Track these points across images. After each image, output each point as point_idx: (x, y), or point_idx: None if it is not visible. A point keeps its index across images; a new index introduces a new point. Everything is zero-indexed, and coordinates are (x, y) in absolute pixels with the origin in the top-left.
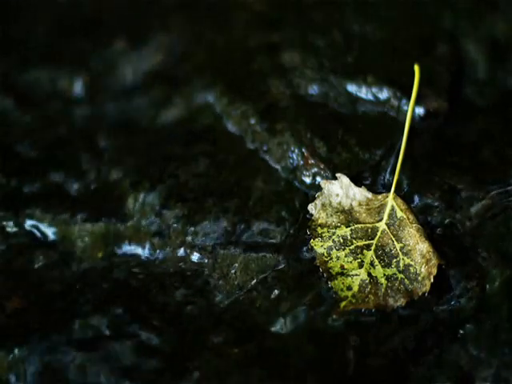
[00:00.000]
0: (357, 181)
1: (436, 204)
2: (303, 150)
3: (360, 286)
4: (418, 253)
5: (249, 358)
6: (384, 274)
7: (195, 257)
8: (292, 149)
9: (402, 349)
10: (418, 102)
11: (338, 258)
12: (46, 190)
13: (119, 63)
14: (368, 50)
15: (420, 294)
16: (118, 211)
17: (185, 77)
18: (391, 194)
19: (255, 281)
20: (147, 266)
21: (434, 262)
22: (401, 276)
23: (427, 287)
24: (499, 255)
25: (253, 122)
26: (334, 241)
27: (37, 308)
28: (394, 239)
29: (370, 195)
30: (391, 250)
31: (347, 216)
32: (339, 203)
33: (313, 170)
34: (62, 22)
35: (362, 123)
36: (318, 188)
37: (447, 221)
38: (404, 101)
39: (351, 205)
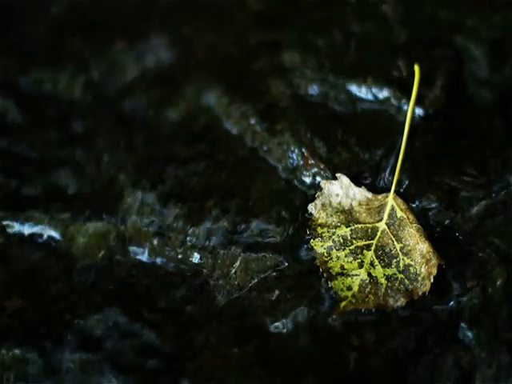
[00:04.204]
0: (357, 181)
1: (436, 204)
2: (303, 150)
3: (360, 285)
4: (418, 253)
5: (249, 358)
6: (384, 274)
7: (195, 257)
8: (292, 149)
9: (402, 349)
10: (417, 102)
11: (338, 257)
12: (46, 190)
13: (119, 63)
14: (368, 50)
15: (420, 293)
16: (118, 211)
17: (185, 77)
18: (391, 194)
19: (255, 281)
20: (147, 265)
21: (434, 262)
22: (401, 276)
23: (427, 287)
24: (499, 255)
25: (253, 121)
26: (334, 241)
27: (37, 308)
28: (393, 239)
29: (370, 195)
30: (391, 250)
31: (347, 216)
32: (339, 203)
33: (313, 170)
34: (62, 23)
35: (362, 123)
36: (318, 188)
37: (447, 221)
38: (404, 101)
39: (351, 205)
